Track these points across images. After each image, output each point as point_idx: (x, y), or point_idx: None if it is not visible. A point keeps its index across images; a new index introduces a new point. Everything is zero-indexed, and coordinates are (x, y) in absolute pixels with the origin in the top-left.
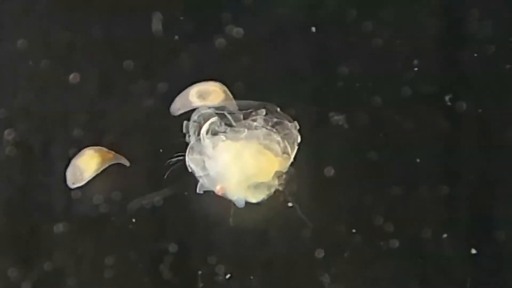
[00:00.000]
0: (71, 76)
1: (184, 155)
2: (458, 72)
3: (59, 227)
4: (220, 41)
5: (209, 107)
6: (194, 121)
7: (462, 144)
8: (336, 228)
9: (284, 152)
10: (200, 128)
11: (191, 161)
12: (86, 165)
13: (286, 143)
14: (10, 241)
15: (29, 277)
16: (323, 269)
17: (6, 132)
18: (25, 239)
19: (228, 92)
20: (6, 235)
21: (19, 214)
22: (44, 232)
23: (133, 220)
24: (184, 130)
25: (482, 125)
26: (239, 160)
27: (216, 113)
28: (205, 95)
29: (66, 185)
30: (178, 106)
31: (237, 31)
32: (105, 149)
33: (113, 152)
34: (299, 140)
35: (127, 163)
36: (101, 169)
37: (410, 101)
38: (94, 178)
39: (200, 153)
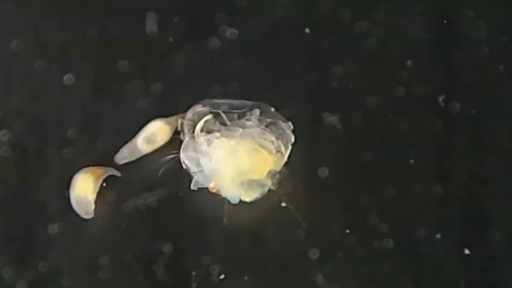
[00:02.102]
0: (66, 77)
1: (178, 153)
2: (451, 73)
3: (54, 228)
4: (214, 42)
5: (204, 106)
6: (189, 119)
7: (455, 145)
8: (330, 228)
9: (278, 151)
10: (195, 126)
11: (186, 158)
12: (84, 189)
13: (280, 143)
14: (5, 241)
15: (24, 277)
16: (317, 269)
17: (1, 133)
18: (20, 239)
19: (174, 122)
20: (1, 235)
21: (14, 214)
22: (39, 233)
23: (128, 220)
24: (179, 128)
25: (476, 125)
26: (233, 157)
27: (211, 112)
28: (153, 138)
29: (61, 186)
30: (124, 155)
31: (231, 32)
32: (92, 167)
33: (102, 168)
34: (293, 140)
35: (118, 174)
36: (99, 184)
37: (404, 101)
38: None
39: (195, 150)
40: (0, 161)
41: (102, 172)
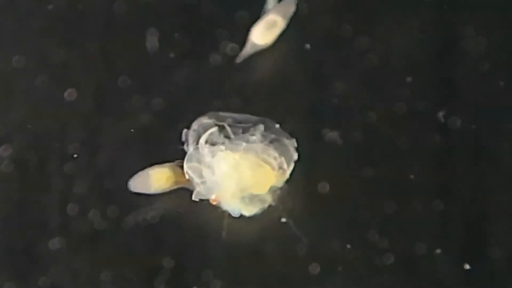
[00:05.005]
0: (67, 92)
1: (182, 162)
2: (452, 89)
3: (54, 243)
4: (215, 57)
5: (209, 118)
6: (194, 130)
7: (456, 160)
8: (331, 244)
9: (280, 167)
10: (199, 137)
11: (189, 169)
12: (158, 180)
13: (283, 159)
14: (6, 256)
15: None
16: (318, 284)
17: (2, 148)
18: (21, 255)
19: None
20: (2, 251)
21: (15, 229)
22: (40, 248)
23: (129, 235)
24: (183, 139)
25: (476, 141)
26: (237, 170)
27: (216, 124)
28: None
29: (62, 201)
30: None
31: (232, 48)
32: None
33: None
34: (295, 158)
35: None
36: (168, 187)
37: (404, 117)
38: (89, 193)
39: (198, 161)
40: (1, 176)
41: (185, 182)
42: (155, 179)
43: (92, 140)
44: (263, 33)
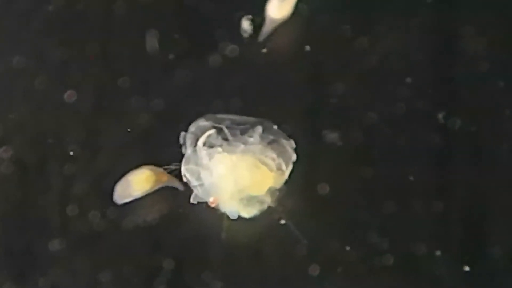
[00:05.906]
0: (67, 93)
1: (179, 166)
2: (451, 89)
3: (54, 244)
4: (215, 58)
5: (207, 120)
6: (191, 133)
7: (455, 161)
8: (330, 245)
9: (279, 168)
10: (197, 139)
11: (187, 171)
12: (139, 184)
13: (281, 160)
14: (5, 257)
15: None
16: (318, 285)
17: (2, 149)
18: (20, 256)
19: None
20: (1, 251)
21: (14, 230)
22: (40, 249)
23: (128, 236)
24: (181, 141)
25: (476, 142)
26: (234, 172)
27: (214, 126)
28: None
29: (62, 202)
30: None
31: (232, 49)
32: (160, 170)
33: (167, 175)
34: (294, 159)
35: (182, 188)
36: (153, 188)
37: (404, 118)
38: (89, 194)
39: (196, 163)
40: (1, 178)
41: (166, 179)
42: (135, 182)
43: (91, 141)
44: (279, 6)
